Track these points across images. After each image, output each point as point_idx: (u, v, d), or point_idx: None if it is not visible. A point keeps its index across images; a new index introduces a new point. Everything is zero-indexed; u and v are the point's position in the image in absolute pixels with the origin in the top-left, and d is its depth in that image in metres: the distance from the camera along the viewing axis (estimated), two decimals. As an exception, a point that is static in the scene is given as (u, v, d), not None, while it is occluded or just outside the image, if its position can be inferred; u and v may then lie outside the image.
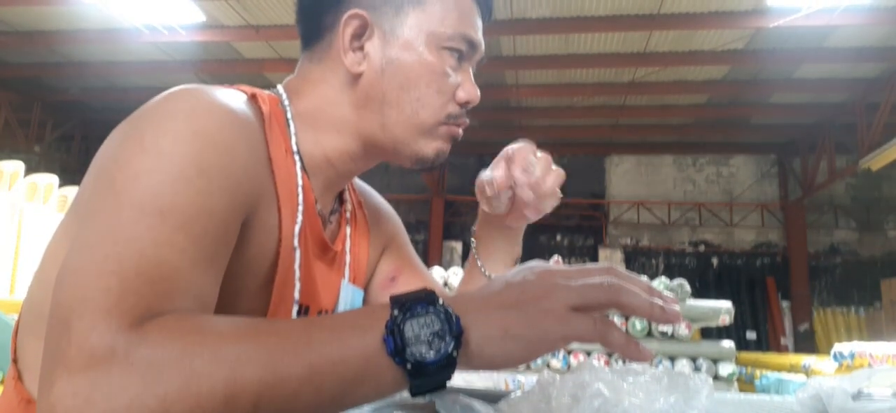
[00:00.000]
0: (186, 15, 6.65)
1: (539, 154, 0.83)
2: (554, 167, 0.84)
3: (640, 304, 0.53)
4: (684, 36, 6.97)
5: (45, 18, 7.16)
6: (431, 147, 0.80)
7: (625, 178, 11.04)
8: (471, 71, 0.83)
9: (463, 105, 0.81)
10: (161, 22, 6.74)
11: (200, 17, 6.76)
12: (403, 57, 0.77)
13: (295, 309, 0.75)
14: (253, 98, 0.74)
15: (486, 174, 0.85)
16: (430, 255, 10.51)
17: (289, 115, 0.78)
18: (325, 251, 0.82)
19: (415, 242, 10.73)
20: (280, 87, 0.81)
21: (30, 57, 8.41)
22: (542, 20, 6.67)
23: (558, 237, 10.80)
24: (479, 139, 10.85)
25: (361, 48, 0.77)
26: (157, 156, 0.58)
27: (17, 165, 4.36)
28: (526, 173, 0.82)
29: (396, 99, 0.77)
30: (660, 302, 0.54)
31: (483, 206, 0.88)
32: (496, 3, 6.34)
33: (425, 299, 0.52)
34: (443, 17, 0.77)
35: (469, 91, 0.80)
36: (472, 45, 0.80)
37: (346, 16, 0.76)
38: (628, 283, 0.54)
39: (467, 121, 0.83)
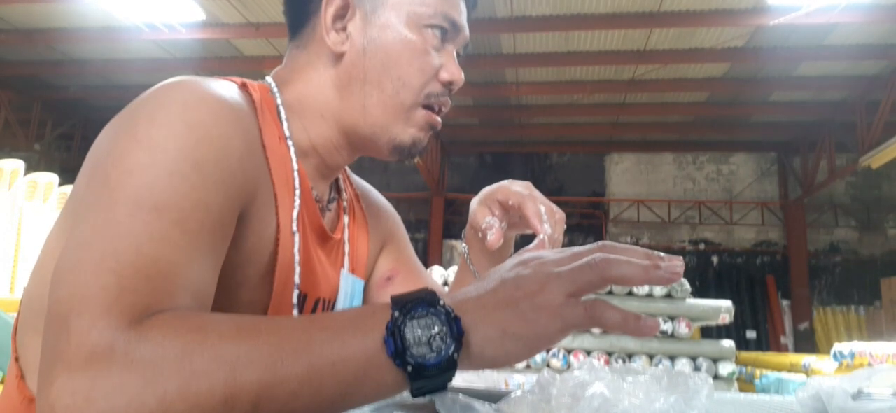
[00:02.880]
0: (186, 13, 6.64)
1: (543, 206, 0.80)
2: (557, 214, 0.81)
3: (634, 272, 0.51)
4: (684, 34, 6.96)
5: (45, 16, 7.15)
6: (408, 134, 0.79)
7: (625, 176, 11.04)
8: (454, 53, 0.82)
9: (446, 85, 0.80)
10: (161, 20, 6.73)
11: (200, 15, 6.75)
12: (385, 36, 0.77)
13: (295, 294, 0.74)
14: (243, 87, 0.74)
15: (486, 219, 0.83)
16: (430, 254, 10.52)
17: (279, 102, 0.78)
18: (325, 240, 0.82)
19: (415, 241, 10.72)
20: (269, 78, 0.81)
21: (30, 55, 8.40)
22: (543, 18, 6.66)
23: (558, 235, 10.79)
24: (479, 138, 10.87)
25: (344, 29, 0.78)
26: (151, 150, 0.57)
27: (17, 164, 4.36)
28: (541, 226, 0.79)
29: (378, 78, 0.77)
30: (656, 263, 0.52)
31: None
32: (497, 1, 6.34)
33: (426, 300, 0.51)
34: None
35: (452, 72, 0.80)
36: (454, 25, 0.80)
37: None
38: (620, 254, 0.53)
39: (449, 102, 0.82)
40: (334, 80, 0.79)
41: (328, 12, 0.77)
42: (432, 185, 10.61)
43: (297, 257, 0.74)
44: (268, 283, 0.71)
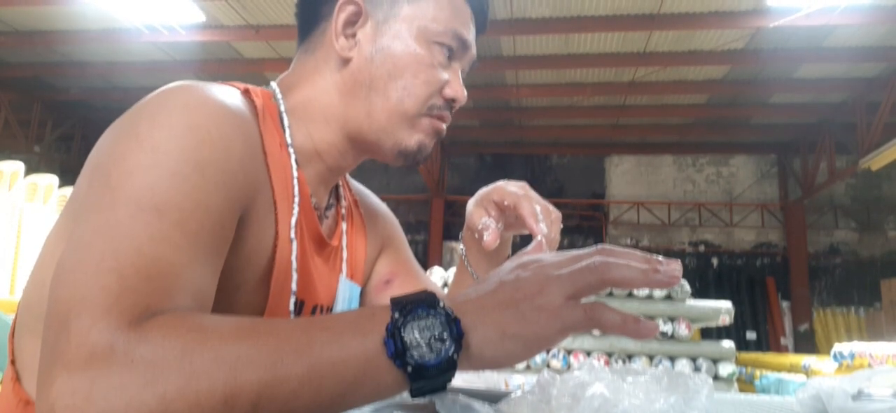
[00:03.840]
0: (186, 15, 6.64)
1: (538, 206, 0.80)
2: (553, 214, 0.81)
3: (633, 275, 0.52)
4: (684, 36, 6.96)
5: (45, 18, 7.15)
6: (414, 139, 0.80)
7: (625, 178, 11.03)
8: (460, 72, 0.83)
9: (448, 101, 0.81)
10: (161, 22, 6.73)
11: (200, 17, 6.75)
12: (393, 47, 0.78)
13: (292, 301, 0.75)
14: (246, 93, 0.74)
15: (482, 220, 0.82)
16: (429, 256, 10.51)
17: (282, 109, 0.78)
18: (323, 246, 0.83)
19: (415, 243, 10.72)
20: (274, 84, 0.82)
21: (30, 57, 8.40)
22: (542, 20, 6.66)
23: (558, 237, 10.78)
24: (479, 139, 10.87)
25: (354, 35, 0.79)
26: (152, 152, 0.58)
27: (17, 165, 4.36)
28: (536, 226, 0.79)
29: (383, 86, 0.78)
30: (655, 267, 0.52)
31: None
32: (496, 3, 6.34)
33: (426, 302, 0.52)
34: (436, 13, 0.79)
35: (456, 89, 0.81)
36: (463, 43, 0.81)
37: (341, 1, 0.78)
38: (619, 257, 0.53)
39: (449, 116, 0.83)
40: (339, 84, 0.79)
41: (340, 18, 0.78)
42: (432, 187, 10.61)
43: (294, 264, 0.74)
44: (264, 287, 0.71)
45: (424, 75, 0.78)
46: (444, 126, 0.83)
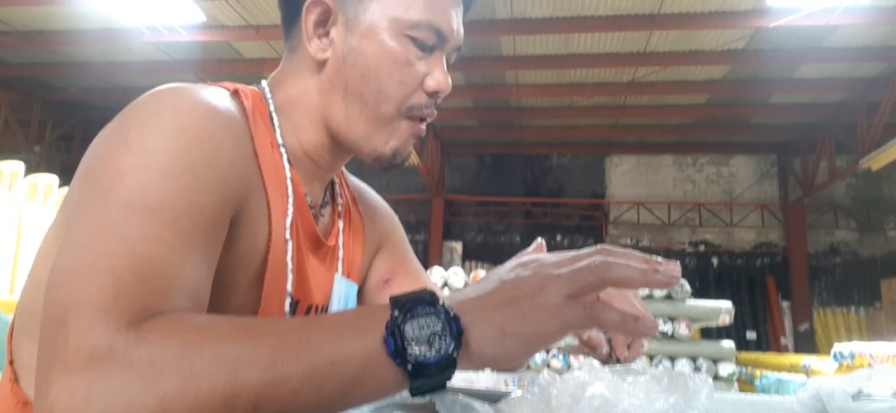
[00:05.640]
0: (187, 15, 6.64)
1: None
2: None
3: (633, 275, 0.52)
4: (684, 36, 6.96)
5: (45, 18, 7.15)
6: (389, 145, 0.78)
7: (625, 178, 11.03)
8: (444, 60, 0.78)
9: (432, 95, 0.77)
10: (161, 22, 6.73)
11: (201, 18, 6.75)
12: (365, 45, 0.74)
13: (287, 302, 0.74)
14: (235, 94, 0.74)
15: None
16: (430, 255, 10.50)
17: (271, 109, 0.78)
18: (319, 246, 0.82)
19: (415, 242, 10.71)
20: (264, 83, 0.81)
21: (30, 57, 8.40)
22: (543, 20, 6.66)
23: (558, 237, 10.80)
24: (479, 139, 10.87)
25: (327, 35, 0.77)
26: (143, 153, 0.58)
27: (17, 165, 4.36)
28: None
29: (358, 89, 0.75)
30: (654, 267, 0.52)
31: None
32: (496, 3, 6.34)
33: (425, 300, 0.52)
34: (408, 3, 0.74)
35: (439, 80, 0.76)
36: (440, 35, 0.76)
37: (308, 2, 0.76)
38: (619, 257, 0.53)
39: (435, 112, 0.80)
40: (318, 87, 0.78)
41: (309, 19, 0.76)
42: (432, 187, 10.61)
43: (290, 265, 0.73)
44: (258, 288, 0.71)
45: (399, 75, 0.74)
46: (422, 128, 0.80)
